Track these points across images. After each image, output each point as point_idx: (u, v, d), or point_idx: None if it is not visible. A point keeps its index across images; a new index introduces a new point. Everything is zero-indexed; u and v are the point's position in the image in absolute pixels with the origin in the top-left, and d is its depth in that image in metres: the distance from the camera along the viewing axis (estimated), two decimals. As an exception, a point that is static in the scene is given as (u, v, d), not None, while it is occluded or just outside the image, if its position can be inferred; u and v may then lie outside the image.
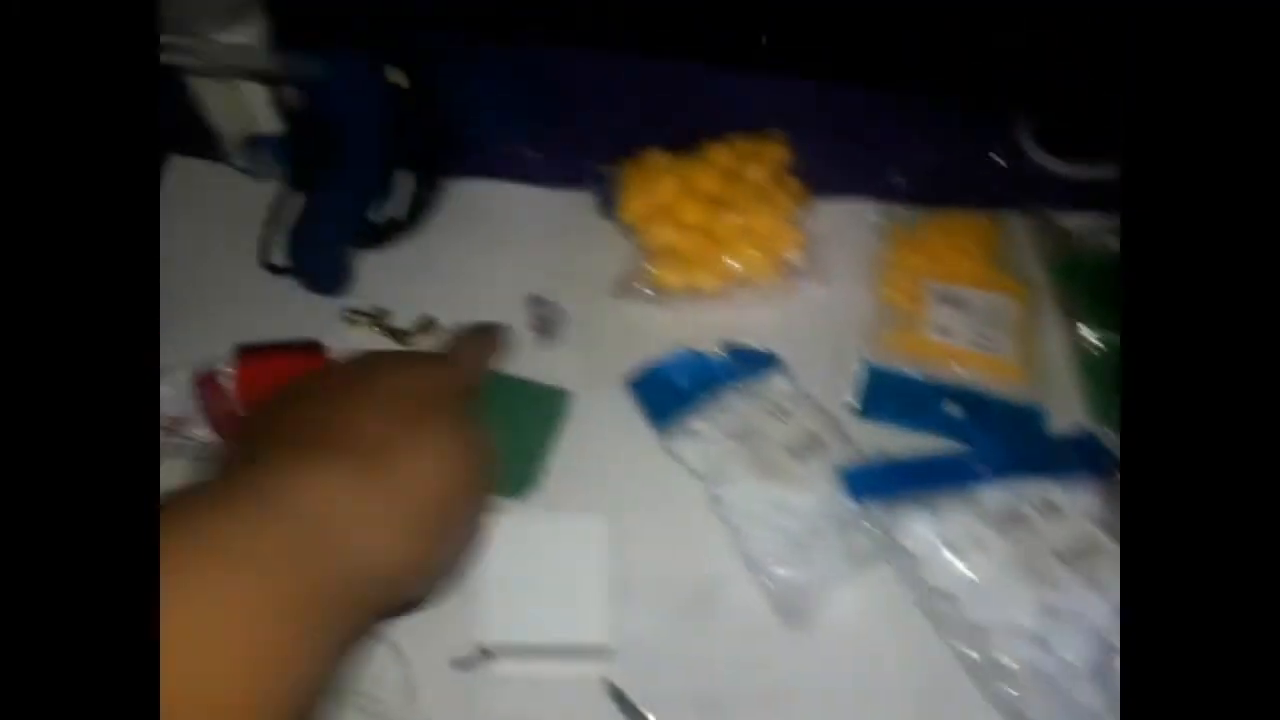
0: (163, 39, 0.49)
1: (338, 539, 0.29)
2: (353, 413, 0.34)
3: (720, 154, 0.59)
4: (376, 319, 0.57)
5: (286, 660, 0.27)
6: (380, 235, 0.59)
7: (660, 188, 0.58)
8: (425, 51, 0.53)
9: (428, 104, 0.54)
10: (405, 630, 0.47)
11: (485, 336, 0.45)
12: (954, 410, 0.55)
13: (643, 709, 0.46)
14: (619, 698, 0.46)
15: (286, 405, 0.36)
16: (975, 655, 0.46)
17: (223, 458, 0.35)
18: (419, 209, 0.58)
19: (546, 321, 0.57)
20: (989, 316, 0.57)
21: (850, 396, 0.56)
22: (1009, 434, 0.53)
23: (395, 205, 0.58)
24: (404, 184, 0.58)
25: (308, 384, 0.37)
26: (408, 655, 0.47)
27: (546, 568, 0.47)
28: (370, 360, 0.39)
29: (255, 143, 0.59)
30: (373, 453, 0.32)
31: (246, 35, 0.54)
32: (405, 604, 0.36)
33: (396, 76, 0.52)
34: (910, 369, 0.56)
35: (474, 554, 0.38)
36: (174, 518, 0.26)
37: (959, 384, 0.56)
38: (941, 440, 0.54)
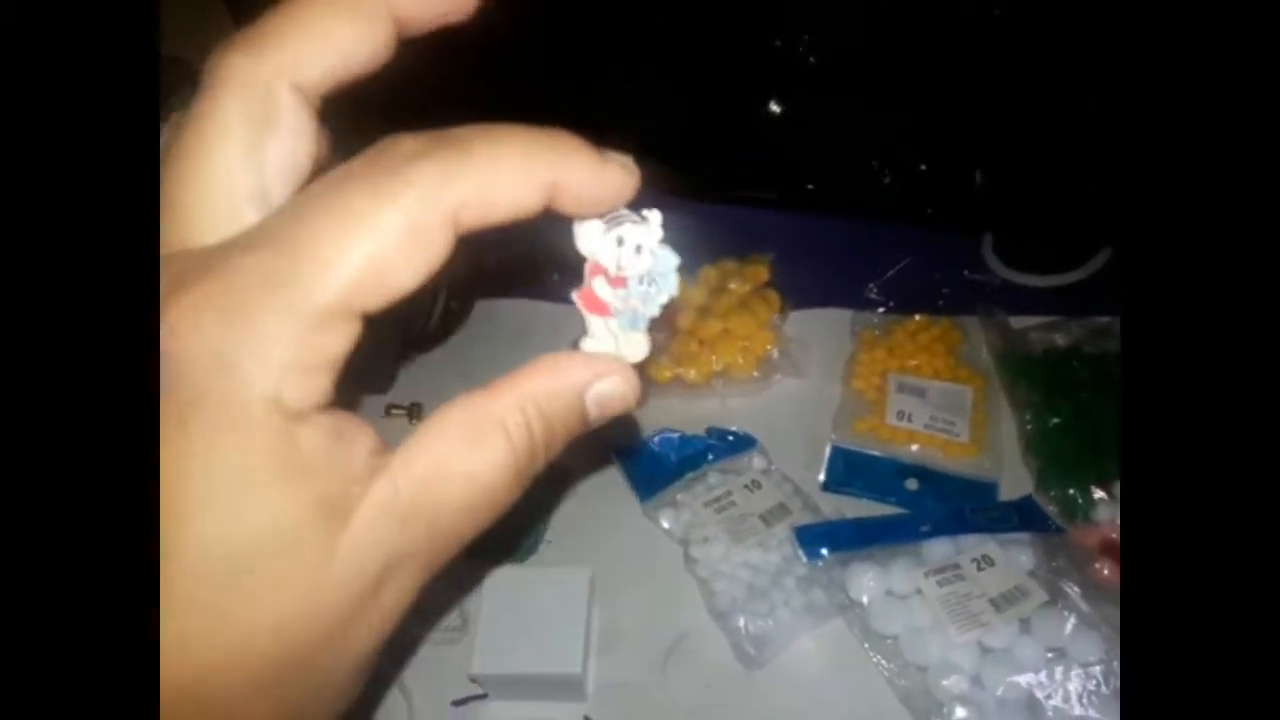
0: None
1: None
2: None
3: (709, 273, 0.69)
4: (411, 413, 0.67)
5: None
6: (419, 345, 0.69)
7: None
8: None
9: (470, 244, 0.65)
10: (412, 671, 0.55)
11: None
12: (911, 484, 0.61)
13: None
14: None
15: None
16: (915, 691, 0.50)
17: None
18: (449, 324, 0.69)
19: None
20: (946, 404, 0.63)
21: (820, 473, 0.62)
22: (958, 502, 0.59)
23: (433, 320, 0.69)
24: (440, 303, 0.69)
25: None
26: (412, 693, 0.54)
27: (535, 610, 0.54)
28: None
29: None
30: None
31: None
32: None
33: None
34: (873, 449, 0.63)
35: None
36: None
37: (917, 462, 0.62)
38: (899, 509, 0.60)
